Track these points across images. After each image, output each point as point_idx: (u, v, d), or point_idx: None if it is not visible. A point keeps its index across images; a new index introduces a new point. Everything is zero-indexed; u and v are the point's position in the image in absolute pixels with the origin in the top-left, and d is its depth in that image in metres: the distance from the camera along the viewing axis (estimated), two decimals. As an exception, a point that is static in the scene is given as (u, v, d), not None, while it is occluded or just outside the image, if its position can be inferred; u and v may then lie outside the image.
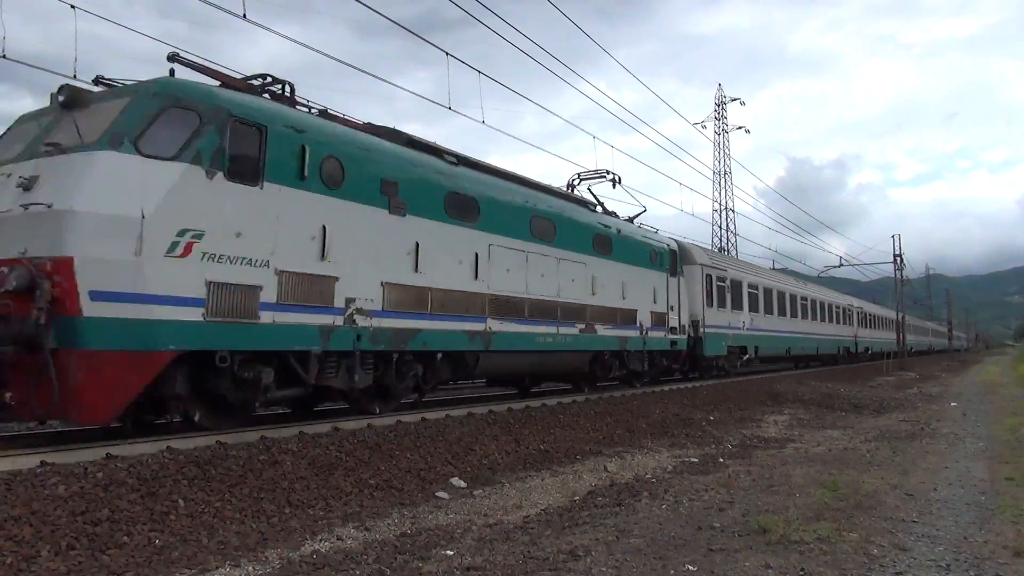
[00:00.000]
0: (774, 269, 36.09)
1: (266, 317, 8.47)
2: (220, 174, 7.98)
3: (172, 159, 7.61)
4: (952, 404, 20.09)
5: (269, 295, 8.51)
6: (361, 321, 9.77)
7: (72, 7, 11.13)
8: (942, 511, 6.96)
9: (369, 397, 10.66)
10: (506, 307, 12.61)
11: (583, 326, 14.85)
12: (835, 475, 8.62)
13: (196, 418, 8.55)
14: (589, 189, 18.57)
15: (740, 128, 69.22)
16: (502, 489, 8.25)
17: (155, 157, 7.52)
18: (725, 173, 65.45)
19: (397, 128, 11.83)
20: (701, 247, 24.05)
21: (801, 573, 4.94)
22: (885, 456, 10.47)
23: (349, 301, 9.61)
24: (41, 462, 6.25)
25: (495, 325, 12.32)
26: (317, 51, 14.31)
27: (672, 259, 19.41)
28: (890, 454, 10.66)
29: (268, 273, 8.50)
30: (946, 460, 10.15)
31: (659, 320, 18.21)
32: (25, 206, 7.12)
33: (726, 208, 65.17)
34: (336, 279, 9.43)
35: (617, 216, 18.16)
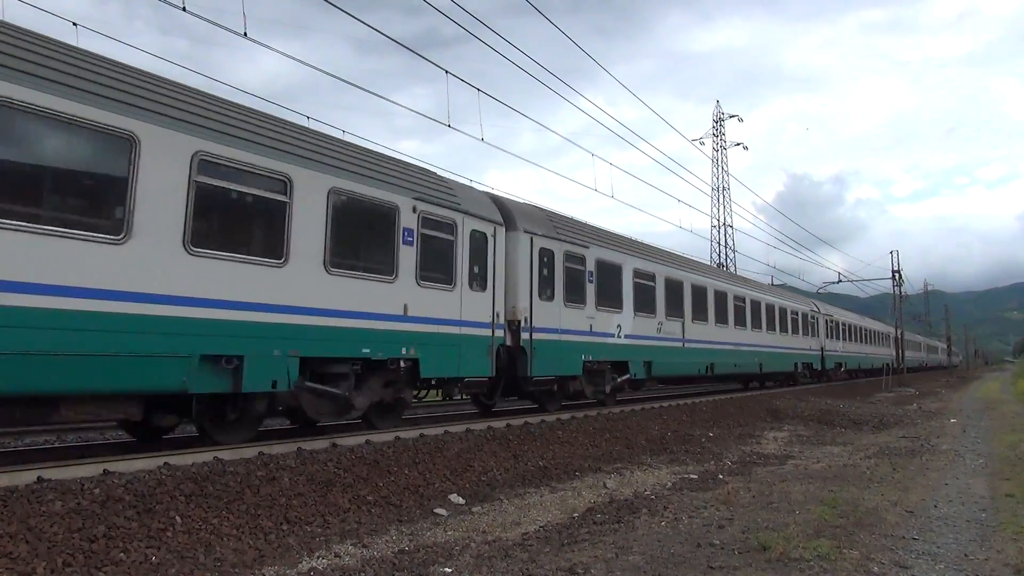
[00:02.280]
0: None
1: None
2: None
3: None
4: (952, 420, 20.04)
5: None
6: None
7: (74, 24, 11.23)
8: (943, 528, 6.94)
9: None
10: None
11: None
12: (835, 492, 8.59)
13: None
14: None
15: (738, 145, 69.59)
16: (501, 506, 8.21)
17: None
18: (723, 189, 65.71)
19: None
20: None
21: (801, 591, 4.91)
22: (885, 473, 10.44)
23: None
24: (38, 478, 6.23)
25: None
26: (316, 68, 14.44)
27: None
28: (890, 471, 10.63)
29: None
30: (946, 477, 10.11)
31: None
32: None
33: (725, 224, 65.37)
34: None
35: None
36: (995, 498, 8.47)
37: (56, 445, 11.00)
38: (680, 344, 19.30)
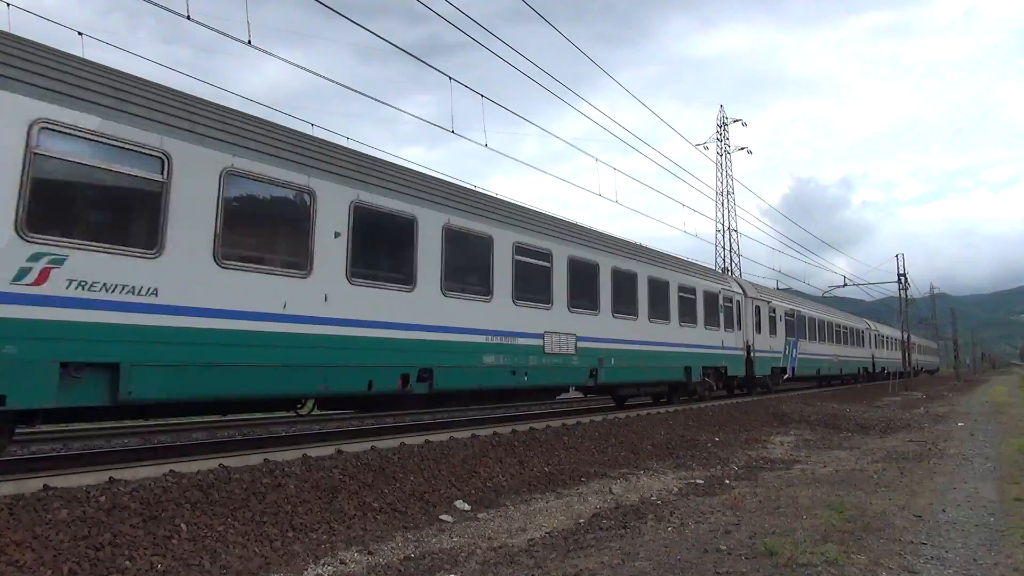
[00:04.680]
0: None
1: None
2: None
3: None
4: (959, 424, 19.94)
5: None
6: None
7: (80, 34, 11.30)
8: (951, 533, 6.90)
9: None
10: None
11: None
12: (842, 496, 8.55)
13: None
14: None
15: (742, 149, 69.61)
16: (506, 512, 8.18)
17: None
18: (728, 194, 65.70)
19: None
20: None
21: (809, 596, 4.88)
22: (893, 477, 10.38)
23: None
24: (44, 486, 6.24)
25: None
26: (320, 75, 14.47)
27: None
28: (898, 475, 10.57)
29: None
30: (954, 481, 10.06)
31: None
32: None
33: (729, 229, 65.32)
34: None
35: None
36: (1004, 502, 8.41)
37: (62, 453, 11.02)
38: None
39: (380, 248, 10.42)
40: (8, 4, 10.79)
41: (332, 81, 14.43)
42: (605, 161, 23.27)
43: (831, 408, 22.45)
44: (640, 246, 18.56)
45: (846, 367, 39.37)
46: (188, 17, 10.73)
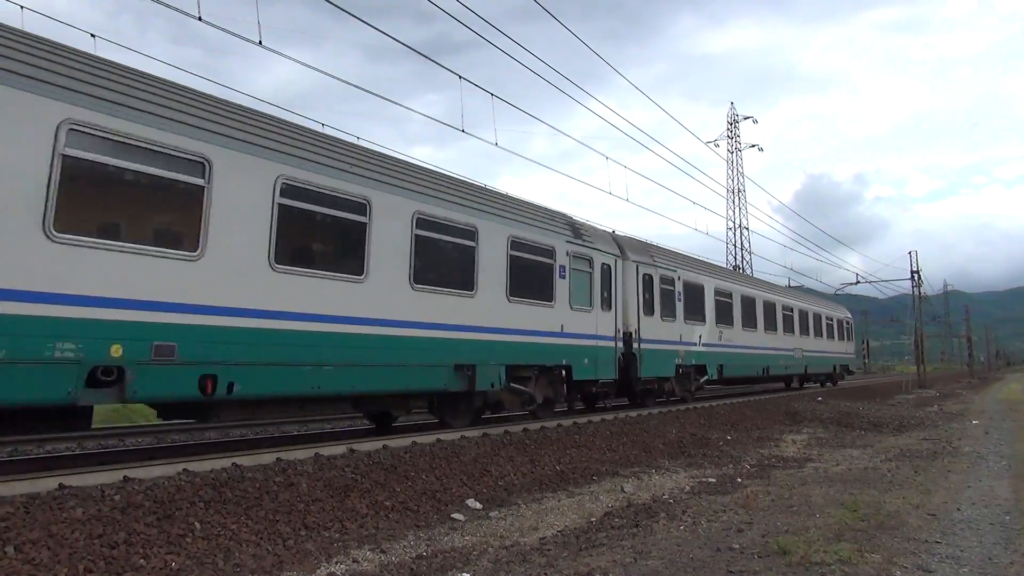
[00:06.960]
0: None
1: None
2: None
3: None
4: (974, 422, 19.80)
5: None
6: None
7: (92, 36, 11.39)
8: (966, 531, 6.85)
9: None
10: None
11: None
12: (856, 495, 8.50)
13: None
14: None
15: (753, 146, 69.35)
16: (518, 510, 8.19)
17: None
18: (739, 191, 65.47)
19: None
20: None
21: (823, 595, 4.85)
22: (906, 475, 10.32)
23: None
24: (59, 484, 6.30)
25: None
26: (329, 75, 14.49)
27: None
28: (911, 473, 10.51)
29: None
30: (969, 479, 9.98)
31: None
32: None
33: (740, 226, 65.10)
34: None
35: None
36: (1019, 500, 8.35)
37: (76, 452, 11.12)
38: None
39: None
40: (22, 7, 10.90)
41: (341, 80, 14.48)
42: (615, 159, 23.19)
43: (844, 406, 22.31)
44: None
45: None
46: (199, 18, 10.78)
